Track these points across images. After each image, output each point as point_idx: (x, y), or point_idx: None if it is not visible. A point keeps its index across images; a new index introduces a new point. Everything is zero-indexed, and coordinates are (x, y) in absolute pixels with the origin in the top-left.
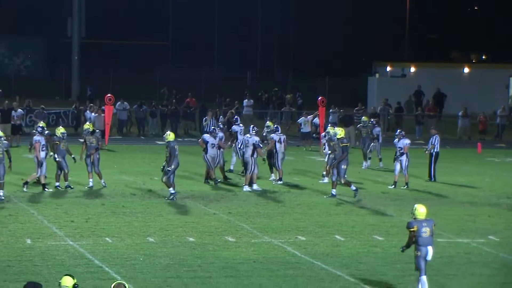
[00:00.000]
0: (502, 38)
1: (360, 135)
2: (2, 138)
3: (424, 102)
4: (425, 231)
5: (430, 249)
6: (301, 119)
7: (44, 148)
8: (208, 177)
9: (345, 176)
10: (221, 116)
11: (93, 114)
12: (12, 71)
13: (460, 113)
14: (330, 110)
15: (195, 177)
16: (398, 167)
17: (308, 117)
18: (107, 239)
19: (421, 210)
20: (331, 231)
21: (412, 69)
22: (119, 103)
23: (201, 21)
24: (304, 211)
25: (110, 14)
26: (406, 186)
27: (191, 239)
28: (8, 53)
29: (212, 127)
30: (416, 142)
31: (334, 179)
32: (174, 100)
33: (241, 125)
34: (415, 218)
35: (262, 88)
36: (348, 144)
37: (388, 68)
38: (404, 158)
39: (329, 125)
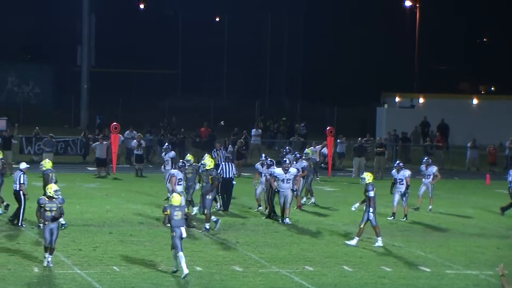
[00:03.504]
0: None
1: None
2: (58, 192)
3: (430, 133)
4: (177, 215)
5: (182, 229)
6: (309, 149)
7: (180, 182)
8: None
9: (209, 208)
10: (229, 146)
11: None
12: (21, 99)
13: (468, 144)
14: (338, 140)
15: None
16: (397, 198)
17: (317, 147)
18: (114, 267)
19: (176, 198)
20: (339, 261)
21: (421, 100)
22: (128, 131)
23: (210, 50)
24: (312, 241)
25: (119, 43)
26: (405, 218)
27: (198, 268)
28: (17, 81)
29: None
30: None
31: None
32: (162, 129)
33: (173, 152)
34: (171, 205)
35: (270, 118)
36: (217, 176)
37: (397, 99)
38: (403, 189)
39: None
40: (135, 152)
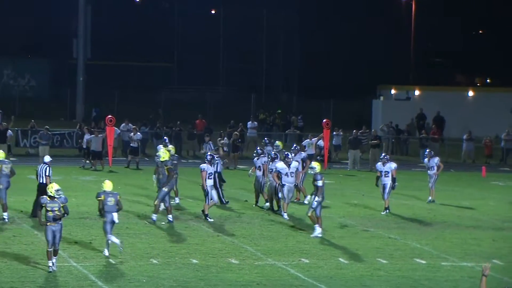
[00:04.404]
0: (507, 62)
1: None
2: (60, 191)
3: (425, 125)
4: (110, 201)
5: (114, 215)
6: (305, 142)
7: (211, 177)
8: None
9: (166, 200)
10: (225, 138)
11: (88, 135)
12: (17, 92)
13: (464, 137)
14: (334, 133)
15: (199, 199)
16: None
17: (313, 139)
18: (110, 260)
19: (108, 184)
20: (335, 253)
21: (417, 92)
22: (123, 124)
23: (206, 43)
24: (308, 234)
25: (115, 35)
26: (386, 211)
27: (194, 261)
28: (13, 74)
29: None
30: (420, 165)
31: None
32: (157, 122)
33: (170, 146)
34: (104, 190)
35: (266, 111)
36: (172, 167)
37: (393, 91)
38: (388, 182)
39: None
40: (131, 144)
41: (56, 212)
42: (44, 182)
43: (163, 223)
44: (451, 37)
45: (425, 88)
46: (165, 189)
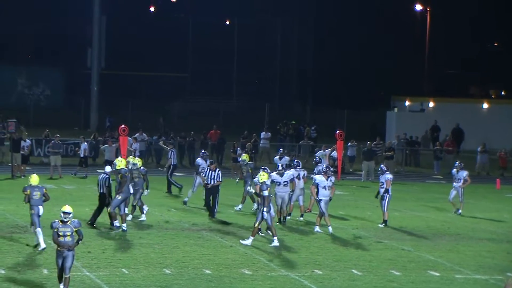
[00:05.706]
0: None
1: (241, 173)
2: (71, 215)
3: (441, 137)
4: (36, 194)
5: (40, 207)
6: (319, 153)
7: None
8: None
9: (121, 208)
10: (238, 148)
11: (84, 144)
12: (31, 101)
13: (479, 149)
14: (349, 144)
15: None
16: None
17: (326, 150)
18: (123, 270)
19: (34, 178)
20: (348, 265)
21: (431, 104)
22: (137, 134)
23: (220, 53)
24: (321, 245)
25: (130, 45)
26: (383, 224)
27: (207, 271)
28: (28, 83)
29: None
30: (434, 177)
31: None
32: (165, 132)
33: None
34: (30, 184)
35: (280, 121)
36: (127, 173)
37: (407, 103)
38: (385, 194)
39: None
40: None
41: (68, 238)
42: (105, 192)
43: (113, 232)
44: (466, 48)
45: (439, 100)
46: (118, 197)
